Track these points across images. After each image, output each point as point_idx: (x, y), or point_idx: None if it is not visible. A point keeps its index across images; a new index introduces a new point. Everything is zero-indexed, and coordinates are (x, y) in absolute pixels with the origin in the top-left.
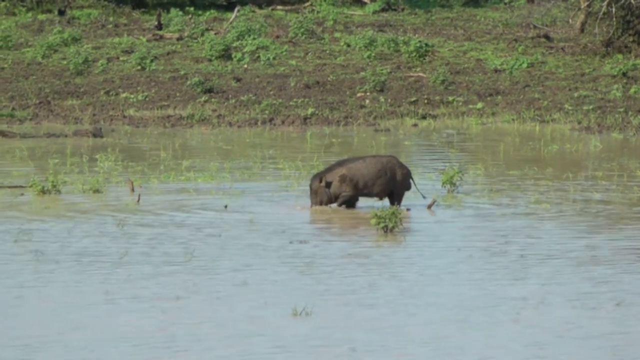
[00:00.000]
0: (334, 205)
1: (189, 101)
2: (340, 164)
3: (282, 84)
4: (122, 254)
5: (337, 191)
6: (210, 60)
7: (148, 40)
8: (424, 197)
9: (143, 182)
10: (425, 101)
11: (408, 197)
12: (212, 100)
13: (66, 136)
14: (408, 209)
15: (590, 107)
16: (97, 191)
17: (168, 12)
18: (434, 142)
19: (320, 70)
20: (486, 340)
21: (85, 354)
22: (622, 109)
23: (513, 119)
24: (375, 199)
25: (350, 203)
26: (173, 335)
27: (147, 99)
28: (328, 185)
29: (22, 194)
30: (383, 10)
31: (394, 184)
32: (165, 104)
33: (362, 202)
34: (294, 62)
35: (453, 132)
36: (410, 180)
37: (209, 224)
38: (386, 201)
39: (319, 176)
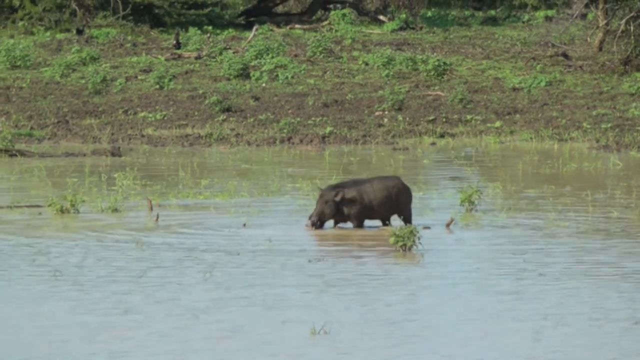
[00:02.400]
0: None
1: (207, 120)
2: (350, 184)
3: (300, 103)
4: (141, 273)
5: (346, 210)
6: (228, 79)
7: (166, 60)
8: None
9: (161, 201)
10: (444, 120)
11: (426, 216)
12: (231, 119)
13: (84, 155)
14: (427, 228)
15: (609, 125)
16: (115, 210)
17: (186, 31)
18: (453, 161)
19: (339, 89)
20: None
21: None
22: None
23: (531, 138)
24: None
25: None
26: (191, 354)
27: (165, 118)
28: (342, 200)
29: (40, 214)
30: (401, 28)
31: (397, 207)
32: (184, 123)
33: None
34: (312, 81)
35: (471, 150)
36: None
37: (227, 243)
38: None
39: (336, 189)
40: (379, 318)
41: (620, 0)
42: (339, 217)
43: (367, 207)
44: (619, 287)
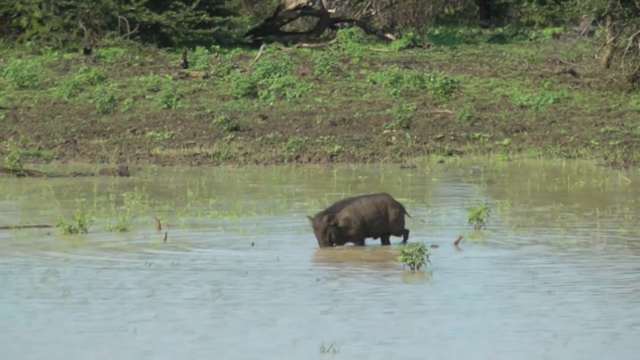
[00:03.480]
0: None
1: (215, 139)
2: (339, 206)
3: (308, 122)
4: (149, 293)
5: (344, 233)
6: (236, 98)
7: (174, 79)
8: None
9: (170, 220)
10: (452, 137)
11: (435, 234)
12: (238, 138)
13: (93, 175)
14: (436, 246)
15: (617, 142)
16: (123, 230)
17: (194, 50)
18: (461, 179)
19: (346, 107)
20: None
21: None
22: None
23: (539, 155)
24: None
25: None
26: None
27: (173, 138)
28: (336, 225)
29: (48, 233)
30: (409, 47)
31: (388, 223)
32: (192, 142)
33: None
34: (319, 100)
35: (479, 168)
36: (405, 215)
37: (235, 262)
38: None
39: (326, 215)
40: (387, 336)
41: (627, 17)
42: (338, 239)
43: (362, 224)
44: (628, 304)
